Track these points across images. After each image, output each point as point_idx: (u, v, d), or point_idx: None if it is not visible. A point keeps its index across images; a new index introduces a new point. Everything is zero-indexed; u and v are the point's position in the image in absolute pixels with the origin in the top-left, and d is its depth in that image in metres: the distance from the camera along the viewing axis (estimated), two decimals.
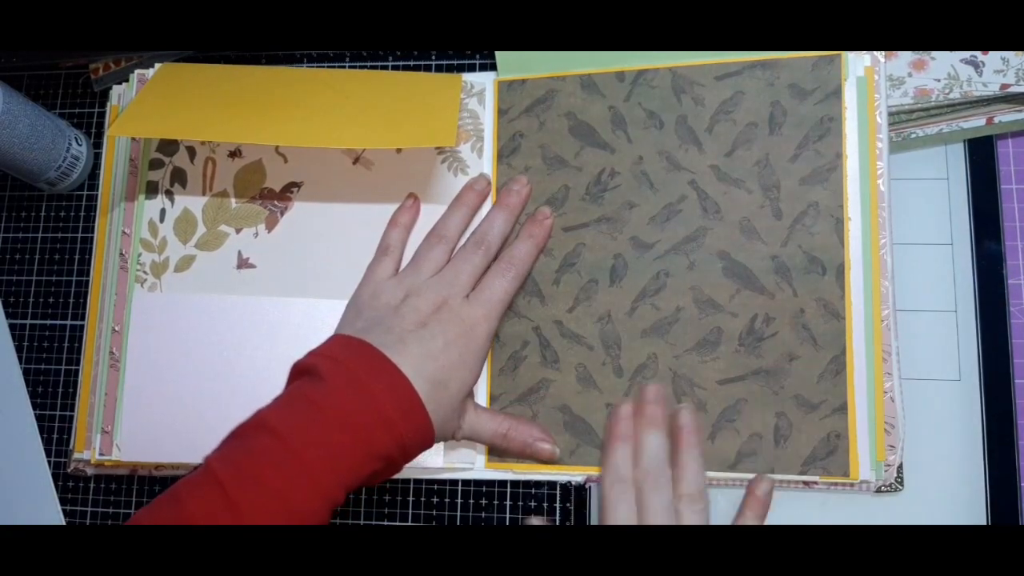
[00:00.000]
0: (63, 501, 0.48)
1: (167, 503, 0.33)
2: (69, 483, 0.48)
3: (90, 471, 0.47)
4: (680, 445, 0.41)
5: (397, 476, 0.45)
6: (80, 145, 0.51)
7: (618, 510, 0.39)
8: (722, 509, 0.43)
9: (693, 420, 0.41)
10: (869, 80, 0.42)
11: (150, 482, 0.48)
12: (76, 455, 0.45)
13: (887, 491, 0.42)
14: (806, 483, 0.41)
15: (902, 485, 0.42)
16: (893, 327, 0.41)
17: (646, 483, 0.40)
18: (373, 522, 0.46)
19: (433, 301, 0.41)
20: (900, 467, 0.41)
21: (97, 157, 0.52)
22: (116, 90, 0.49)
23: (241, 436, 0.35)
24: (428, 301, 0.41)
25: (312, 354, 0.38)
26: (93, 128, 0.53)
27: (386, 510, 0.46)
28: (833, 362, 0.41)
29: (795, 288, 0.42)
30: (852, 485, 0.41)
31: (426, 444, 0.38)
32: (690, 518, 0.39)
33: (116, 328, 0.45)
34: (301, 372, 0.38)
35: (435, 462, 0.43)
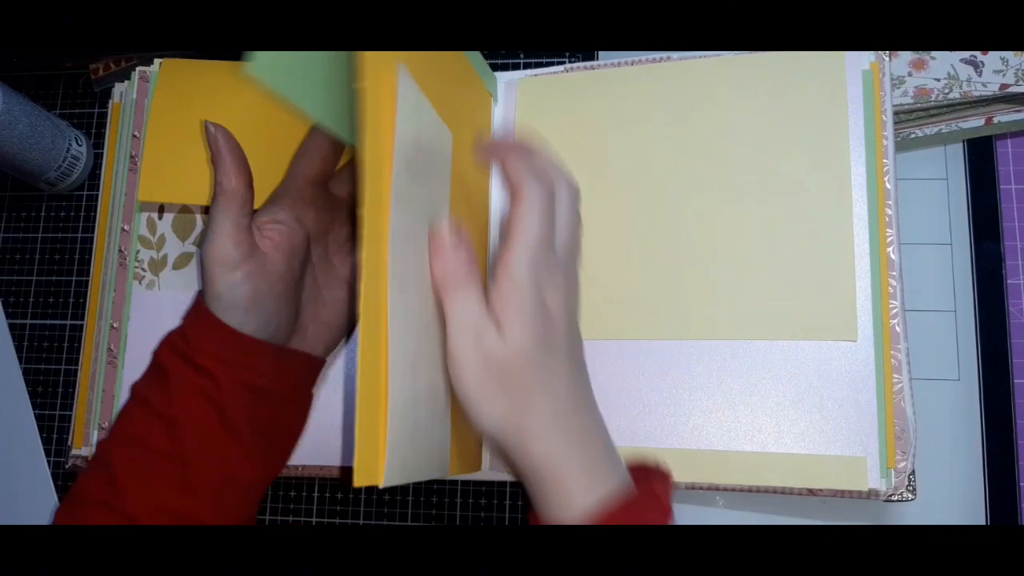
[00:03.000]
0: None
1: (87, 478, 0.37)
2: (69, 483, 0.48)
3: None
4: None
5: None
6: (80, 145, 0.51)
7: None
8: (721, 509, 0.44)
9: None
10: (875, 76, 0.42)
11: None
12: (74, 451, 0.45)
13: (898, 500, 0.39)
14: (811, 491, 0.40)
15: (914, 494, 0.39)
16: (903, 327, 0.40)
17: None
18: (373, 522, 0.46)
19: None
20: (912, 475, 0.38)
21: (97, 157, 0.52)
22: (118, 88, 0.49)
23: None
24: None
25: None
26: (93, 128, 0.53)
27: (386, 510, 0.46)
28: None
29: None
30: (860, 494, 0.39)
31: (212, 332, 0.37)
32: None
33: (115, 325, 0.45)
34: None
35: None
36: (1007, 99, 0.45)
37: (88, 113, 0.53)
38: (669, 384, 0.41)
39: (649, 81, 0.44)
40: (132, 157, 0.47)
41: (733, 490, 0.40)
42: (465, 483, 0.46)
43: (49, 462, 0.49)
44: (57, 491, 0.48)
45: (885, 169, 0.41)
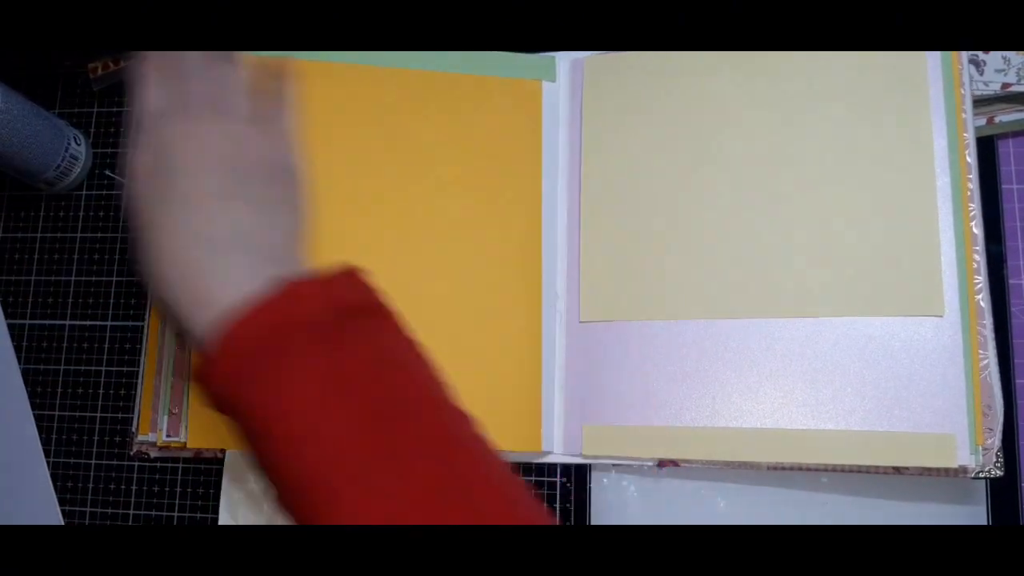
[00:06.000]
0: (63, 502, 0.48)
1: None
2: (68, 483, 0.48)
3: (154, 453, 0.47)
4: None
5: None
6: (79, 145, 0.51)
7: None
8: (721, 509, 0.43)
9: None
10: (954, 63, 0.41)
11: (149, 478, 0.48)
12: (140, 437, 0.45)
13: (985, 477, 0.39)
14: (897, 469, 0.39)
15: (1002, 471, 0.39)
16: (987, 302, 0.39)
17: None
18: None
19: None
20: (999, 451, 0.38)
21: (97, 156, 0.52)
22: None
23: None
24: None
25: None
26: (92, 127, 0.53)
27: None
28: None
29: None
30: (948, 472, 0.39)
31: None
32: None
33: None
34: None
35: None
36: (1009, 98, 0.45)
37: (87, 113, 0.53)
38: (750, 363, 0.41)
39: (719, 63, 0.44)
40: None
41: (816, 469, 0.40)
42: None
43: (49, 463, 0.49)
44: (57, 492, 0.48)
45: (966, 143, 0.40)
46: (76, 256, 0.51)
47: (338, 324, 0.29)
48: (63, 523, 0.48)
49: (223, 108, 0.36)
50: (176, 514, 0.47)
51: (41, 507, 0.48)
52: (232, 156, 0.34)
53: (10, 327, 0.51)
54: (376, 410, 0.29)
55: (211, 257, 0.32)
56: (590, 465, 0.44)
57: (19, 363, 0.50)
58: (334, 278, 0.31)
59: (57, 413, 0.49)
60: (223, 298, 0.30)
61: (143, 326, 0.48)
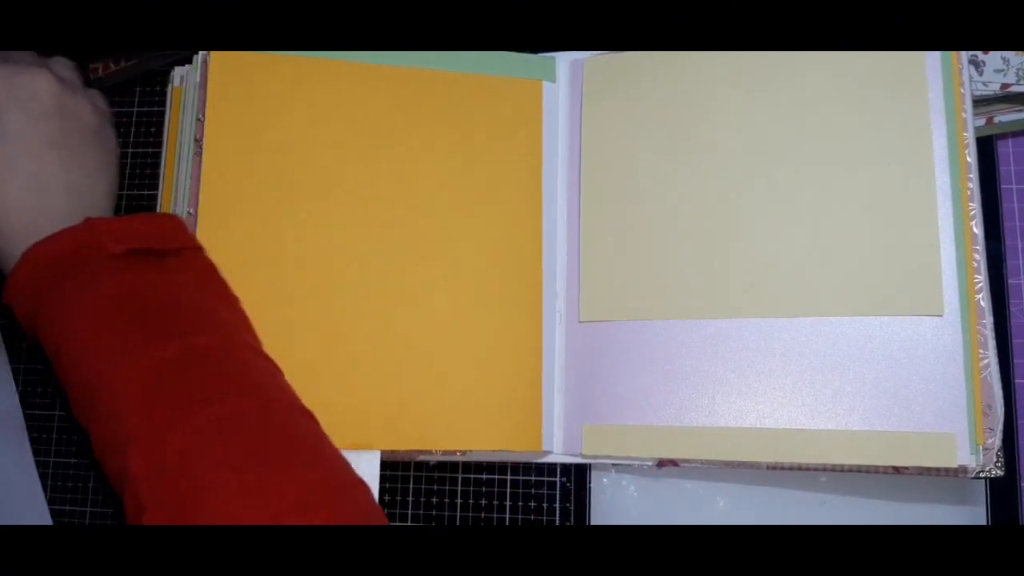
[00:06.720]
0: (64, 501, 0.48)
1: None
2: (68, 483, 0.48)
3: None
4: None
5: (399, 473, 0.45)
6: None
7: None
8: (721, 509, 0.44)
9: None
10: (954, 63, 0.41)
11: None
12: None
13: (985, 477, 0.39)
14: (896, 469, 0.39)
15: (1003, 471, 0.39)
16: (987, 301, 0.39)
17: None
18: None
19: None
20: (999, 451, 0.38)
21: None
22: (178, 72, 0.48)
23: None
24: None
25: None
26: None
27: (385, 510, 0.46)
28: None
29: None
30: (948, 472, 0.39)
31: None
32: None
33: None
34: None
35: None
36: (1008, 99, 0.45)
37: None
38: (750, 363, 0.41)
39: (719, 63, 0.44)
40: (197, 140, 0.47)
41: (816, 469, 0.40)
42: (465, 483, 0.46)
43: (49, 463, 0.48)
44: (57, 491, 0.48)
45: (965, 142, 0.40)
46: None
47: (126, 255, 0.36)
48: (51, 523, 0.47)
49: (46, 65, 0.41)
50: None
51: (30, 507, 0.47)
52: (59, 109, 0.40)
53: (10, 326, 0.51)
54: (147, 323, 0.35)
55: (41, 201, 0.38)
56: (590, 465, 0.44)
57: (20, 363, 0.50)
58: (135, 218, 0.38)
59: (57, 413, 0.49)
60: (43, 233, 0.36)
61: None
